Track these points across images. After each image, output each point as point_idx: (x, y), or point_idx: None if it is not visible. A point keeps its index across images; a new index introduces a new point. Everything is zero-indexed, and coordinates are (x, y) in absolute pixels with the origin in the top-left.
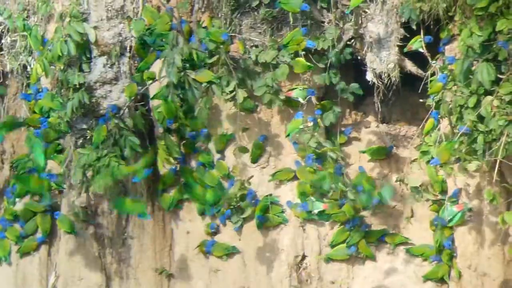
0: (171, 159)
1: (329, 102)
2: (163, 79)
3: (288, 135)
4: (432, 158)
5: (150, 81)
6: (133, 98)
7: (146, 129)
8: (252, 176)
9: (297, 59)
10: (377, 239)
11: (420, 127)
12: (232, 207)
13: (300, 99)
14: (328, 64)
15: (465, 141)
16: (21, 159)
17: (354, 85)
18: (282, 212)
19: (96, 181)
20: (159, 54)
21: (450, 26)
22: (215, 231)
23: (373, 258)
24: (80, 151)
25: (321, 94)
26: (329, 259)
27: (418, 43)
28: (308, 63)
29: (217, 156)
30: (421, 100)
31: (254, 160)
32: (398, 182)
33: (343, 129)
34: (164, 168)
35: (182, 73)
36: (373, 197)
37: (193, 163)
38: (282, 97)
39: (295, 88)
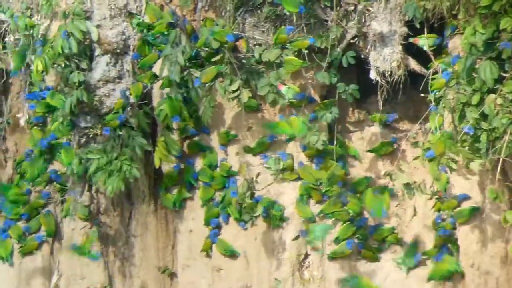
0: (171, 157)
1: (332, 100)
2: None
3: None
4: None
5: (153, 80)
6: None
7: (149, 128)
8: (259, 174)
9: (287, 57)
10: (382, 239)
11: (424, 127)
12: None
13: (286, 97)
14: (327, 64)
15: (468, 140)
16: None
17: (353, 87)
18: (283, 213)
19: (108, 184)
20: (161, 53)
21: (452, 24)
22: (217, 228)
23: (376, 260)
24: (89, 156)
25: (324, 92)
26: (331, 257)
27: (423, 40)
28: (302, 61)
29: (220, 156)
30: (422, 95)
31: (254, 154)
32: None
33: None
34: (165, 165)
35: (186, 72)
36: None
37: (197, 164)
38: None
39: (286, 85)
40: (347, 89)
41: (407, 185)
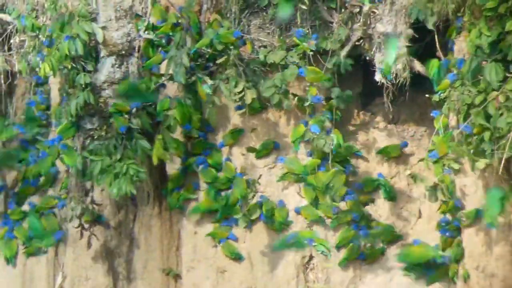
0: (167, 155)
1: (336, 102)
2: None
3: (294, 141)
4: None
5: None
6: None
7: (153, 129)
8: (260, 176)
9: (310, 67)
10: (387, 241)
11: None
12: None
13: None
14: (331, 66)
15: (473, 142)
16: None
17: (347, 92)
18: (287, 216)
19: (113, 187)
20: (165, 55)
21: (457, 26)
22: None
23: (381, 262)
24: (92, 157)
25: (329, 94)
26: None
27: None
28: (324, 75)
29: (224, 156)
30: (427, 95)
31: (259, 157)
32: (409, 179)
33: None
34: (170, 167)
35: (194, 77)
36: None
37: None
38: (290, 97)
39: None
40: (342, 95)
41: (433, 189)
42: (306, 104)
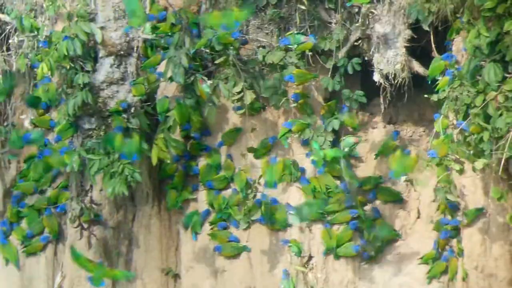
0: (168, 154)
1: (335, 102)
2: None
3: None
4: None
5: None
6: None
7: (151, 129)
8: (261, 176)
9: (296, 70)
10: (385, 241)
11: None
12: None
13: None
14: (332, 68)
15: (472, 142)
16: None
17: (359, 93)
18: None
19: (109, 186)
20: (164, 55)
21: (457, 27)
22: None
23: (380, 262)
24: (90, 156)
25: (328, 95)
26: (338, 256)
27: None
28: (311, 74)
29: (223, 157)
30: (426, 96)
31: (258, 157)
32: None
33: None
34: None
35: (193, 77)
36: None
37: (201, 164)
38: (289, 98)
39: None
40: (352, 95)
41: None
42: (293, 104)
